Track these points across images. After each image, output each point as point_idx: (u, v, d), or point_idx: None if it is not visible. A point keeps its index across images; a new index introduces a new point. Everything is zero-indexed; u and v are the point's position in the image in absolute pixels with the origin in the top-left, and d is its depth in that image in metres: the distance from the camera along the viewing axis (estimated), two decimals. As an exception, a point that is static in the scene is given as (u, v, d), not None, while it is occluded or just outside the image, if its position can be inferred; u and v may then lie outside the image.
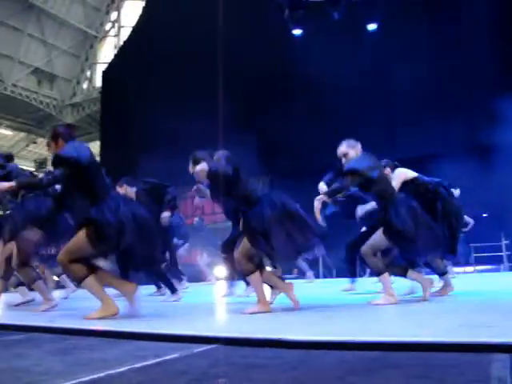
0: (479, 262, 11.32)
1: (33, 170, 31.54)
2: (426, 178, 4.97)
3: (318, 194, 4.38)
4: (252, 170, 12.66)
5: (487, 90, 10.66)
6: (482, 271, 11.33)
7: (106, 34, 28.37)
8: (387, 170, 4.85)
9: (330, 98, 12.24)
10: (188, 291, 7.05)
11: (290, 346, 2.11)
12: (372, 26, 13.08)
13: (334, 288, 6.68)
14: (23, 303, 5.42)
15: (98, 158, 19.70)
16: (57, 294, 6.27)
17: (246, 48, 13.81)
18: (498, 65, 10.76)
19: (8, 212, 4.90)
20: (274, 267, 5.25)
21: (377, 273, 4.07)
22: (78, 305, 5.18)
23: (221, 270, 9.98)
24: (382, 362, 1.82)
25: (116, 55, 21.95)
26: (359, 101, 11.53)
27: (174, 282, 6.01)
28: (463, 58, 11.04)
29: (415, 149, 10.67)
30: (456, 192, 5.27)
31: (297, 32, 13.91)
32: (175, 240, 7.79)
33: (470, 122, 10.49)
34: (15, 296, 5.85)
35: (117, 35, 27.81)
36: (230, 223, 5.69)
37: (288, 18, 13.66)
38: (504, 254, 11.34)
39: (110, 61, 22.41)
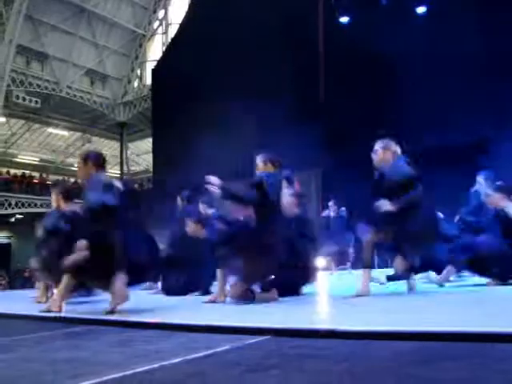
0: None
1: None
2: None
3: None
4: (306, 161, 12.65)
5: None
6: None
7: (154, 32, 28.85)
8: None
9: (379, 86, 11.99)
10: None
11: (343, 337, 2.07)
12: (421, 10, 12.69)
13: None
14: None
15: (150, 155, 19.93)
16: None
17: (296, 38, 13.68)
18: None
19: None
20: None
21: None
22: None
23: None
24: (441, 354, 1.76)
25: (164, 52, 22.27)
26: (410, 87, 11.21)
27: None
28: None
29: (470, 132, 10.32)
30: None
31: (344, 19, 13.68)
32: None
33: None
34: None
35: (165, 33, 28.24)
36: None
37: (334, 5, 13.45)
38: None
39: (158, 58, 22.77)
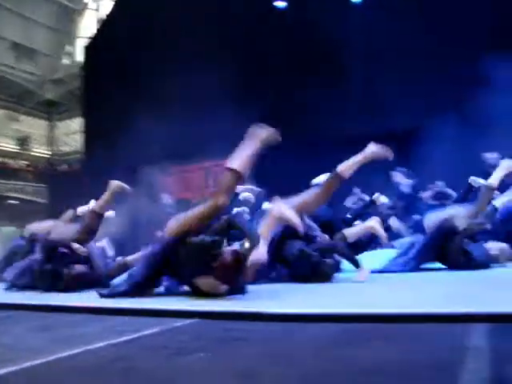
0: None
1: (16, 148, 31.11)
2: None
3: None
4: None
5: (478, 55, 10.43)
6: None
7: (85, 7, 27.78)
8: None
9: (313, 74, 12.08)
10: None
11: (270, 319, 2.10)
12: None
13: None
14: None
15: (81, 135, 19.06)
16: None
17: (233, 16, 13.51)
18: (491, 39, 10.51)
19: None
20: None
21: None
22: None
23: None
24: (367, 334, 1.82)
25: (99, 29, 21.47)
26: (346, 75, 11.36)
27: None
28: (453, 28, 10.84)
29: (406, 121, 10.61)
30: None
31: (280, 4, 13.60)
32: None
33: (457, 91, 10.28)
34: None
35: (97, 9, 27.26)
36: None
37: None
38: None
39: (91, 35, 21.97)
